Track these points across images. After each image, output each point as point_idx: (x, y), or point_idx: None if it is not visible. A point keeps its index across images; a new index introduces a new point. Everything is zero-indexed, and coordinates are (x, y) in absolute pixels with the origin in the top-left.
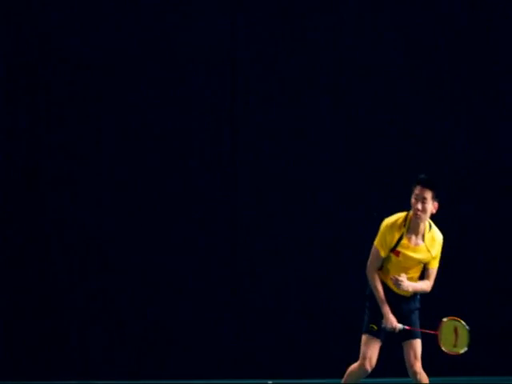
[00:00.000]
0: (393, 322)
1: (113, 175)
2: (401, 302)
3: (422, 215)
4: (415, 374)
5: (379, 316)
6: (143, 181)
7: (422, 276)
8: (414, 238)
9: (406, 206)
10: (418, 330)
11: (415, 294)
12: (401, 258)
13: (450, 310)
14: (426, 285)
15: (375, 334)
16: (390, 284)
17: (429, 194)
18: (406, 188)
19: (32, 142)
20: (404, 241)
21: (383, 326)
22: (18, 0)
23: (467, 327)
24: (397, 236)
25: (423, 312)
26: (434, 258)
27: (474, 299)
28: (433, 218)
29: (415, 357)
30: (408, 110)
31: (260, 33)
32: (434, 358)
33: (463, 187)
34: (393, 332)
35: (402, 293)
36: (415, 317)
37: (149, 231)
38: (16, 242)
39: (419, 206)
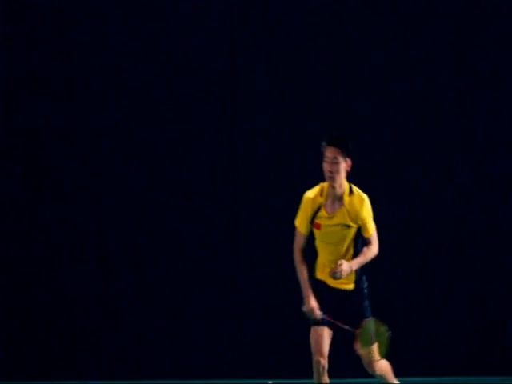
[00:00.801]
0: (312, 307)
1: (112, 175)
2: (338, 297)
3: (336, 176)
4: (374, 371)
5: (320, 303)
6: (143, 181)
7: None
8: (331, 205)
9: (408, 202)
10: (340, 324)
11: (357, 286)
12: (322, 230)
13: (450, 309)
14: (369, 252)
15: (318, 323)
16: (325, 278)
17: (338, 154)
18: (410, 186)
19: (31, 142)
20: (322, 211)
21: (303, 310)
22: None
23: (387, 334)
24: (315, 208)
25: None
26: (364, 225)
27: (473, 299)
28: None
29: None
30: (415, 108)
31: (260, 34)
32: (433, 358)
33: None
34: (315, 319)
35: (339, 286)
36: (359, 311)
37: (149, 232)
38: (15, 242)
39: (330, 168)
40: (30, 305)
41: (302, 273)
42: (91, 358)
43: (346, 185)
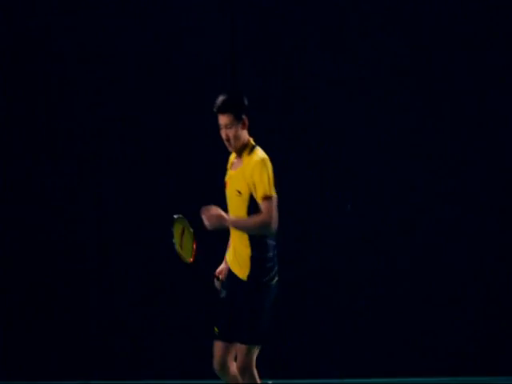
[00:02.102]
0: (218, 272)
1: (112, 174)
2: (232, 284)
3: (233, 142)
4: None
5: (217, 316)
6: (143, 179)
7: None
8: (236, 165)
9: (404, 199)
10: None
11: (252, 277)
12: (226, 189)
13: (450, 309)
14: (257, 217)
15: (216, 337)
16: (228, 258)
17: (229, 119)
18: (412, 183)
19: (30, 143)
20: (229, 170)
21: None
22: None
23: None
24: (228, 167)
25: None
26: (254, 186)
27: (473, 299)
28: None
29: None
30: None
31: (260, 36)
32: (433, 358)
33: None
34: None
35: (236, 272)
36: (248, 301)
37: (149, 232)
38: (15, 241)
39: (225, 135)
40: (30, 305)
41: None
42: (91, 358)
43: (248, 143)
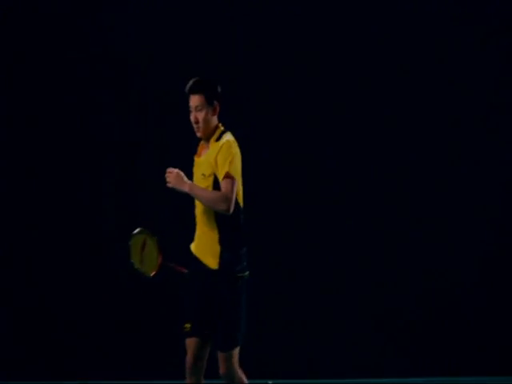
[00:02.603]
0: None
1: (113, 175)
2: (202, 277)
3: (201, 125)
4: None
5: (189, 313)
6: (143, 178)
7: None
8: (202, 151)
9: (404, 197)
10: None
11: (223, 267)
12: (194, 178)
13: (450, 308)
14: (215, 193)
15: (189, 334)
16: (194, 248)
17: (199, 100)
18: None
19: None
20: (195, 160)
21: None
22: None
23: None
24: (198, 154)
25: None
26: (217, 166)
27: (472, 299)
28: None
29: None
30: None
31: (261, 38)
32: (434, 358)
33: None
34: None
35: (205, 261)
36: (228, 316)
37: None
38: (15, 241)
39: (194, 118)
40: (30, 304)
41: None
42: (90, 358)
43: (216, 130)
